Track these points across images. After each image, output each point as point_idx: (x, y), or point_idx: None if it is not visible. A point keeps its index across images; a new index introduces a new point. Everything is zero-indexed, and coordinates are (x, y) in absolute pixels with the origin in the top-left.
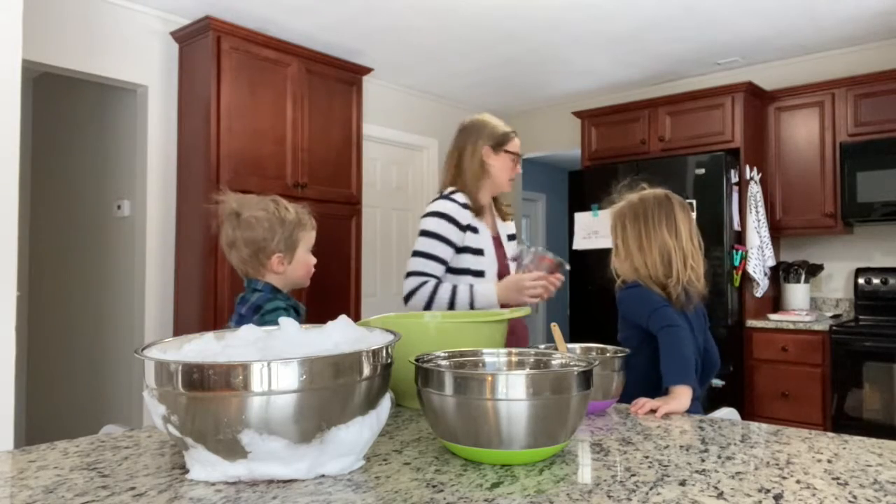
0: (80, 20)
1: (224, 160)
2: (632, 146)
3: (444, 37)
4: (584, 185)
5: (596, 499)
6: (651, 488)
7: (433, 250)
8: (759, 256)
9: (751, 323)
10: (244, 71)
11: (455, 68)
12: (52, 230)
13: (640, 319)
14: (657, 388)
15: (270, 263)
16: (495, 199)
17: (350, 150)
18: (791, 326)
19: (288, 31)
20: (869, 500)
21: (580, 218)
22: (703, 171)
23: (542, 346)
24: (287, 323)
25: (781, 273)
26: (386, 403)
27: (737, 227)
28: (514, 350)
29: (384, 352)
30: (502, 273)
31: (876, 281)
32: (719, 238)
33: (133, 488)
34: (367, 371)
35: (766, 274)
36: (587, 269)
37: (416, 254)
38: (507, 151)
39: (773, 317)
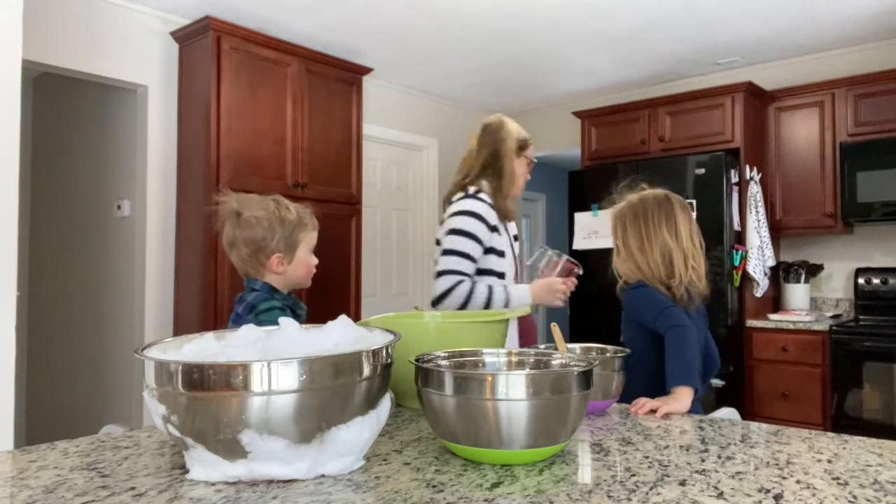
0: (80, 20)
1: (224, 160)
2: (632, 146)
3: (444, 37)
4: (584, 185)
5: (596, 499)
6: (651, 488)
7: (466, 249)
8: (759, 256)
9: (751, 323)
10: (244, 71)
11: (455, 68)
12: (52, 230)
13: (647, 320)
14: (664, 389)
15: (270, 263)
16: None
17: (350, 150)
18: (791, 326)
19: (288, 31)
20: (869, 500)
21: (580, 218)
22: (703, 171)
23: (542, 346)
24: (287, 323)
25: (781, 273)
26: (386, 403)
27: (737, 227)
28: (513, 350)
29: (384, 352)
30: (516, 275)
31: (876, 281)
32: (719, 238)
33: (133, 488)
34: (367, 371)
35: (766, 274)
36: (587, 270)
37: (450, 252)
38: (526, 156)
39: (773, 317)
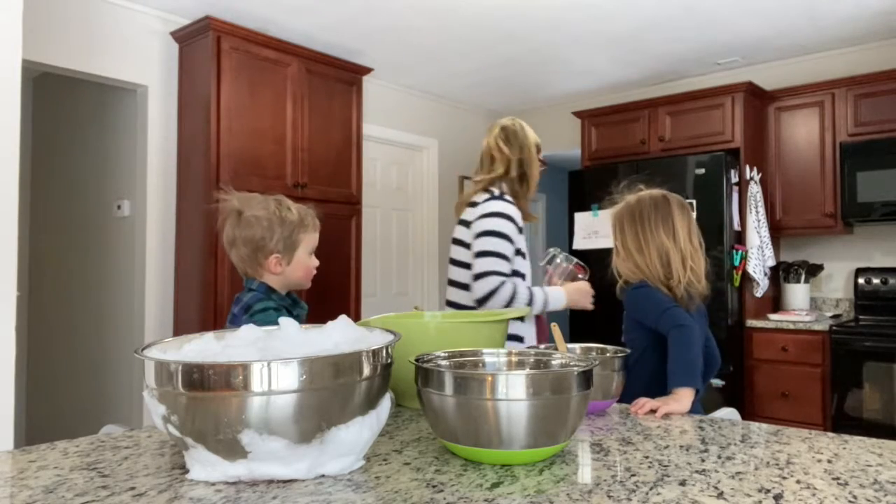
0: (80, 20)
1: (224, 160)
2: (632, 146)
3: (444, 37)
4: (585, 185)
5: (596, 499)
6: (651, 488)
7: (503, 250)
8: (759, 256)
9: (751, 323)
10: (244, 71)
11: (455, 68)
12: (52, 230)
13: (649, 320)
14: (665, 389)
15: (268, 264)
16: None
17: (350, 150)
18: (791, 326)
19: (288, 31)
20: (869, 500)
21: (580, 218)
22: (703, 171)
23: (542, 346)
24: (287, 323)
25: (781, 273)
26: (386, 403)
27: (737, 227)
28: (513, 350)
29: (384, 352)
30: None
31: (876, 281)
32: (719, 238)
33: (133, 488)
34: (367, 371)
35: (766, 274)
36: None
37: (490, 254)
38: (540, 160)
39: (773, 317)
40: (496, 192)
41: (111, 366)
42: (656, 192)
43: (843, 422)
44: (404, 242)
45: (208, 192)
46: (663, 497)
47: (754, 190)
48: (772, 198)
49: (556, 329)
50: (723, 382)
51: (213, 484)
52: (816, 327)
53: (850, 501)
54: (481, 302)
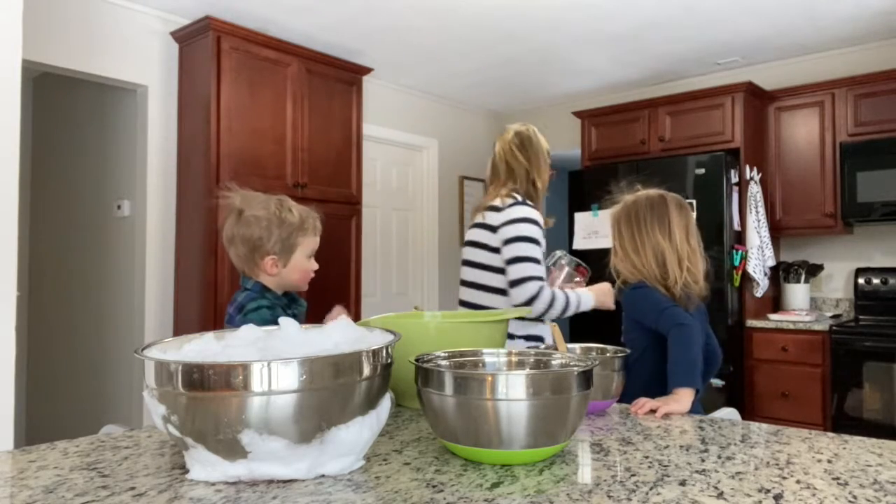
0: (80, 20)
1: (224, 160)
2: (632, 146)
3: (444, 37)
4: (584, 185)
5: (596, 499)
6: (651, 488)
7: (538, 255)
8: (759, 256)
9: (751, 323)
10: (244, 71)
11: (455, 68)
12: (52, 230)
13: (648, 320)
14: (665, 389)
15: (264, 264)
16: None
17: (350, 150)
18: (791, 326)
19: (288, 31)
20: (869, 500)
21: (580, 218)
22: (703, 171)
23: (542, 346)
24: (287, 323)
25: (781, 273)
26: (386, 403)
27: (737, 227)
28: (513, 350)
29: (384, 352)
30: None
31: (876, 281)
32: (719, 238)
33: (133, 488)
34: (367, 371)
35: (766, 274)
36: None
37: (526, 259)
38: (550, 167)
39: (773, 317)
40: (519, 197)
41: (111, 366)
42: (654, 192)
43: (843, 422)
44: (404, 242)
45: (208, 191)
46: (663, 497)
47: (754, 190)
48: (772, 198)
49: (555, 329)
50: (723, 382)
51: (213, 484)
52: (816, 327)
53: (850, 501)
54: (524, 306)
